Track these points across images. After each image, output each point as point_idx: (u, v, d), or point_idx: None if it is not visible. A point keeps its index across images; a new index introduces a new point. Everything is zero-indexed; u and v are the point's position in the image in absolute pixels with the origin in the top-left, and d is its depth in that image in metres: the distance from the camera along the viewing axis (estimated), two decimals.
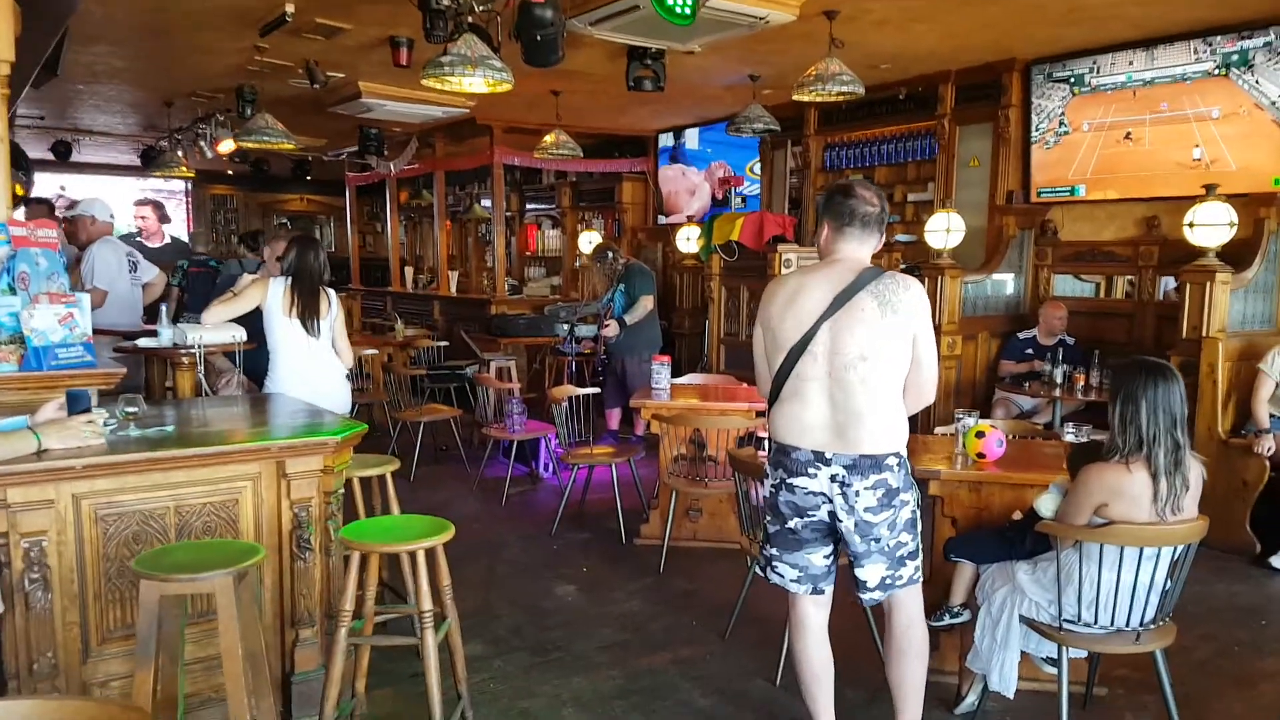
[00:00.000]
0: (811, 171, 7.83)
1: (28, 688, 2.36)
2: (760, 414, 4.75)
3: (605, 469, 5.05)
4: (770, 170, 8.43)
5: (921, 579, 2.65)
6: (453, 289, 9.98)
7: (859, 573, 2.58)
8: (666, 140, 9.47)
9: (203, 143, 8.27)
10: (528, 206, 11.65)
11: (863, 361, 2.48)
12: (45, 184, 9.64)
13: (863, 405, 2.49)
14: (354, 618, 2.55)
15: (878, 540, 2.54)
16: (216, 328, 4.06)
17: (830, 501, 2.55)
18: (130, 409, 2.66)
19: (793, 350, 2.55)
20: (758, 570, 2.81)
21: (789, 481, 2.60)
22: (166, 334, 4.01)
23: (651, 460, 5.24)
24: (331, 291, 4.22)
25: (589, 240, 9.28)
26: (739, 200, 8.61)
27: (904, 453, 2.59)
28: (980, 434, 3.15)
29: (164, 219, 7.91)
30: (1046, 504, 2.77)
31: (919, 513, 2.64)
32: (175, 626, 2.27)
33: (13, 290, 2.81)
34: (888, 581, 2.58)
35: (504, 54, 4.63)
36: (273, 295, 4.04)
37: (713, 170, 9.03)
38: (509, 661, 3.37)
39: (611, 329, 6.20)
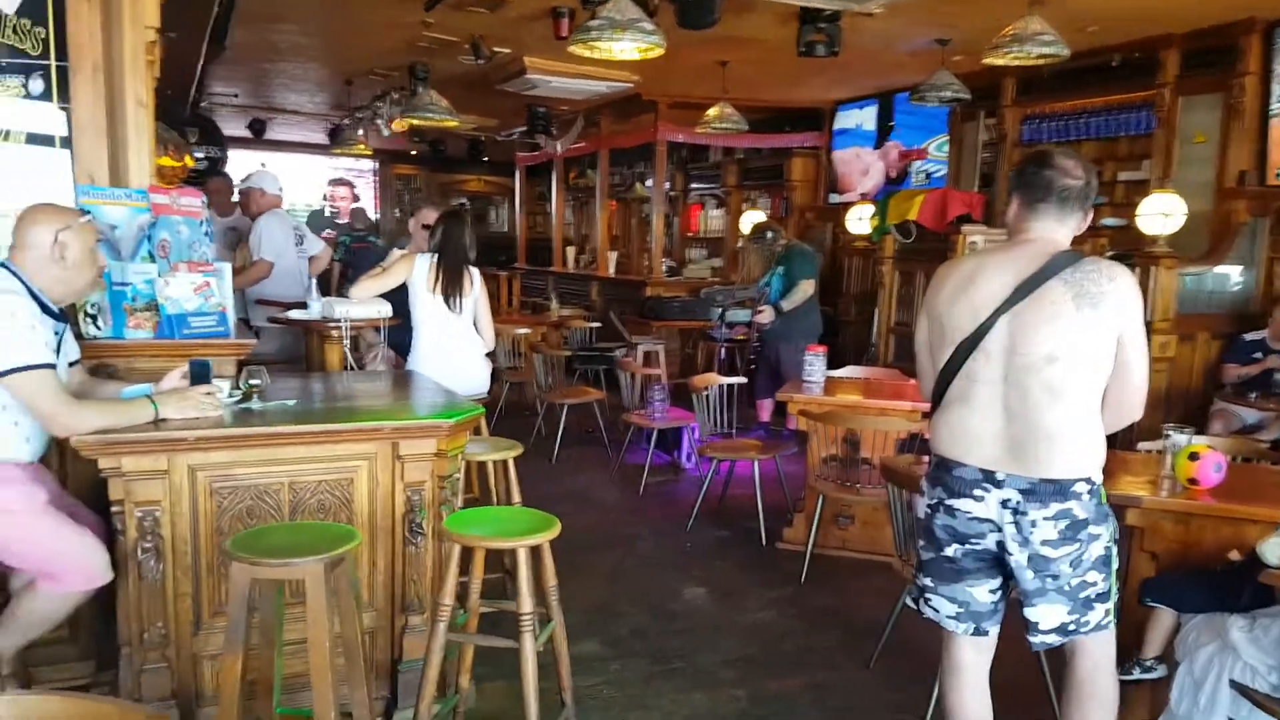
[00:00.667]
0: (1007, 145, 7.09)
1: (139, 655, 2.36)
2: (927, 415, 4.28)
3: (749, 463, 4.73)
4: (959, 144, 7.74)
5: (1113, 624, 2.19)
6: (611, 270, 9.89)
7: (1029, 612, 2.16)
8: (845, 120, 8.90)
9: (379, 120, 8.55)
10: (692, 186, 11.39)
11: (1050, 364, 2.05)
12: (244, 161, 10.30)
13: (1048, 418, 2.06)
14: (456, 611, 2.39)
15: (1056, 578, 2.11)
16: (363, 302, 4.06)
17: (999, 530, 2.14)
18: (254, 381, 2.61)
19: (962, 346, 2.15)
20: (909, 601, 2.43)
21: (949, 503, 2.20)
22: (315, 306, 4.06)
23: (801, 456, 4.87)
24: (475, 270, 4.14)
25: (751, 220, 8.91)
26: (921, 177, 7.96)
27: (1097, 478, 2.13)
28: (1194, 456, 2.60)
29: (355, 198, 8.43)
30: (1275, 549, 2.23)
31: (1114, 547, 2.18)
32: (270, 609, 2.18)
33: (152, 257, 2.84)
34: (1070, 627, 2.14)
35: (662, 20, 4.38)
36: (418, 271, 4.00)
37: (888, 149, 8.41)
38: (626, 667, 3.14)
39: (766, 314, 5.84)
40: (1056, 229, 2.15)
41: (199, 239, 3.05)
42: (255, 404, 2.59)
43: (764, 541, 4.43)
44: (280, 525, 2.37)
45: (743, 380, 5.05)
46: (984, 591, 2.24)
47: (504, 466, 3.23)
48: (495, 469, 3.31)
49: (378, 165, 14.75)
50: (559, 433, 5.91)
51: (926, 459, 2.70)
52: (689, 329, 8.05)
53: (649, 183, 10.32)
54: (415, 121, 7.00)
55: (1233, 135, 5.68)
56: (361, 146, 8.80)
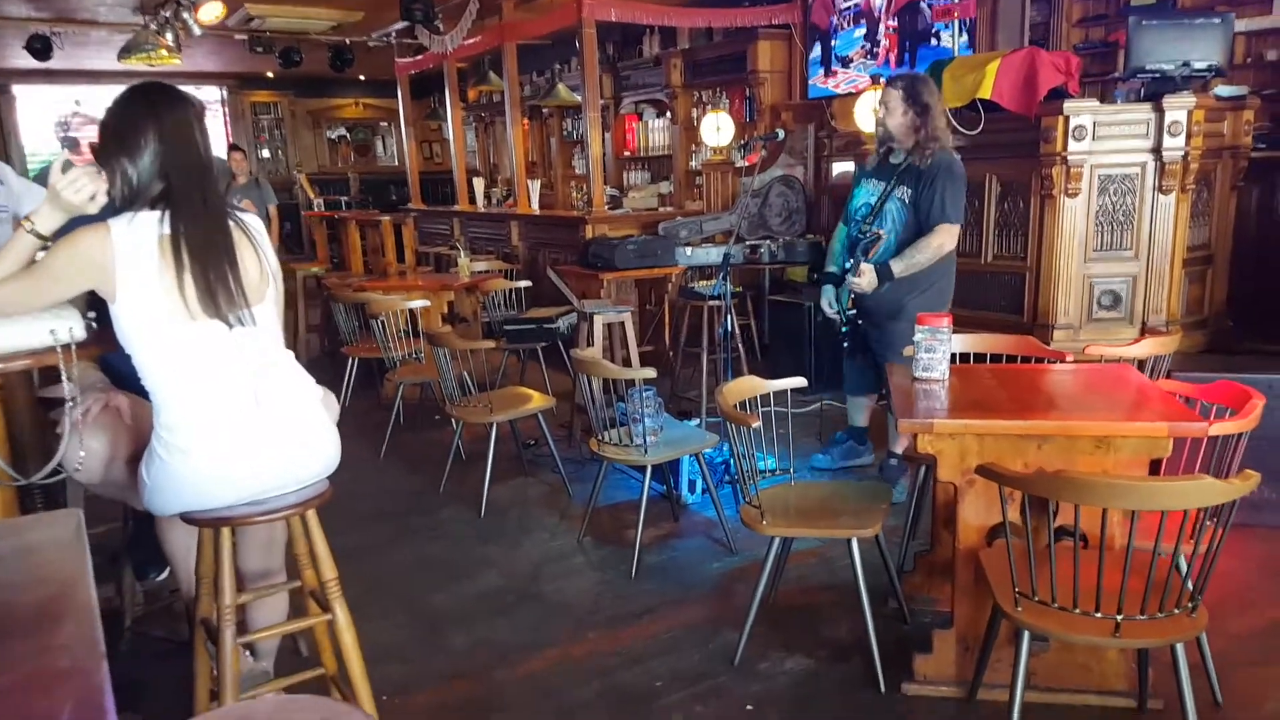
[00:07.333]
0: None
1: None
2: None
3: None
4: None
5: None
6: (534, 205, 7.60)
7: None
8: None
9: (185, 14, 5.98)
10: (624, 94, 9.08)
11: None
12: (37, 97, 7.50)
13: None
14: None
15: None
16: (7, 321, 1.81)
17: None
18: None
19: None
20: None
21: None
22: None
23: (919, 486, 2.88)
24: (252, 219, 1.94)
25: (716, 124, 6.75)
26: (945, 40, 5.85)
27: None
28: None
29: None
30: None
31: None
32: None
33: None
34: None
35: None
36: (120, 261, 1.74)
37: None
38: None
39: (865, 278, 3.40)
40: None
41: None
42: None
43: (881, 685, 2.43)
44: None
45: (798, 383, 2.93)
46: None
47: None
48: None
49: (225, 93, 11.96)
50: (489, 458, 3.73)
51: None
52: (647, 280, 5.94)
53: (576, 91, 8.03)
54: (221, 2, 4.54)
55: None
56: (165, 54, 6.20)
